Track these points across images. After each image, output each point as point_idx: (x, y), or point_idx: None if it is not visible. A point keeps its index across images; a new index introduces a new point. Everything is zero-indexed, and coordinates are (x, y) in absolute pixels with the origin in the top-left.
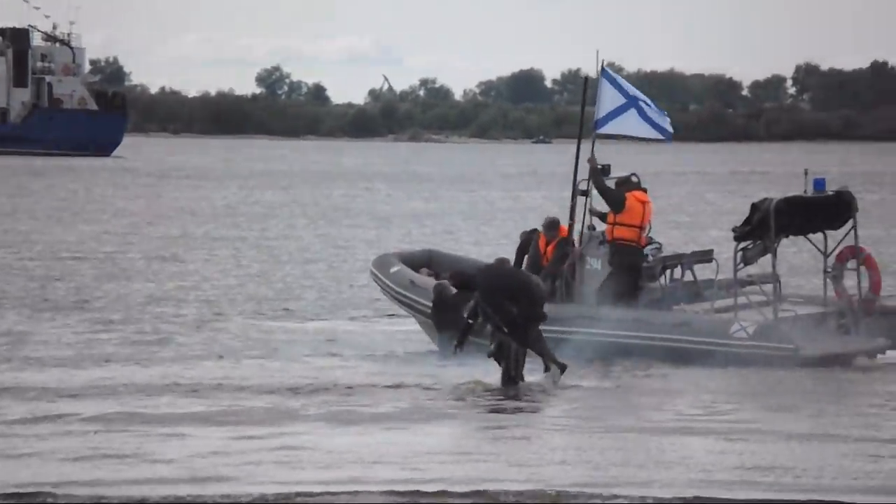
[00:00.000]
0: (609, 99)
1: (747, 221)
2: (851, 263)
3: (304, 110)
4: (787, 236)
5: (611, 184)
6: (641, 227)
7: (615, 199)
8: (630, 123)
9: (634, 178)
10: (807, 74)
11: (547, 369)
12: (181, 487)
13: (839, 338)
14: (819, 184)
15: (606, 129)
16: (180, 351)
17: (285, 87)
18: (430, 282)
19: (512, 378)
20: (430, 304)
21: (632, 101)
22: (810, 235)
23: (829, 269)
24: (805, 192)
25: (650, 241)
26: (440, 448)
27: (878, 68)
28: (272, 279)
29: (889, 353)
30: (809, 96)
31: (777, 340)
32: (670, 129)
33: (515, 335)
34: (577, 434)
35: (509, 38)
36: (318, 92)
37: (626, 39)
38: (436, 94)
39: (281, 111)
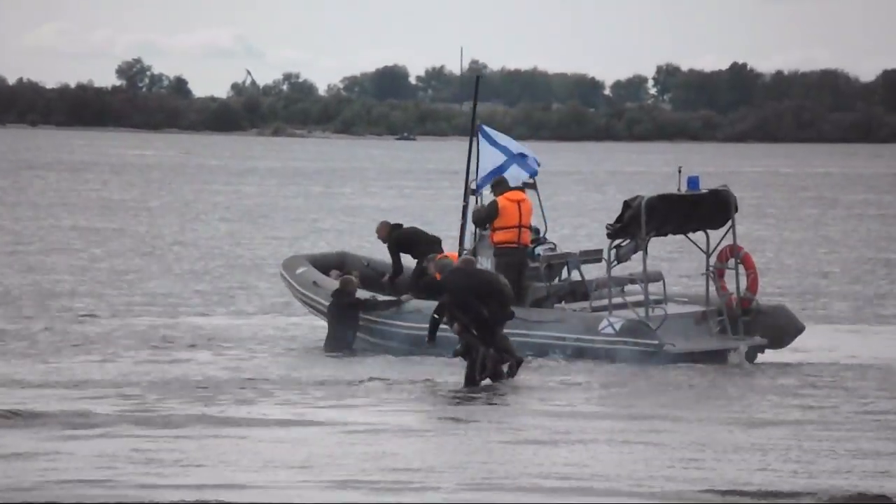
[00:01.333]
0: (488, 158)
1: (619, 219)
2: (732, 262)
3: (165, 103)
4: (664, 234)
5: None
6: (520, 226)
7: (488, 213)
8: (514, 174)
9: (529, 180)
10: (667, 75)
11: (510, 367)
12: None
13: (712, 336)
14: (693, 182)
15: (485, 188)
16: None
17: (146, 80)
18: (334, 283)
19: (475, 379)
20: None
21: (512, 159)
22: (691, 235)
23: (711, 268)
24: (679, 189)
25: (543, 241)
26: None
27: (738, 70)
28: (177, 275)
29: (768, 351)
30: (670, 97)
31: (642, 337)
32: (535, 167)
33: (484, 336)
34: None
35: (374, 34)
36: (180, 85)
37: (490, 37)
38: (299, 89)
39: (142, 104)
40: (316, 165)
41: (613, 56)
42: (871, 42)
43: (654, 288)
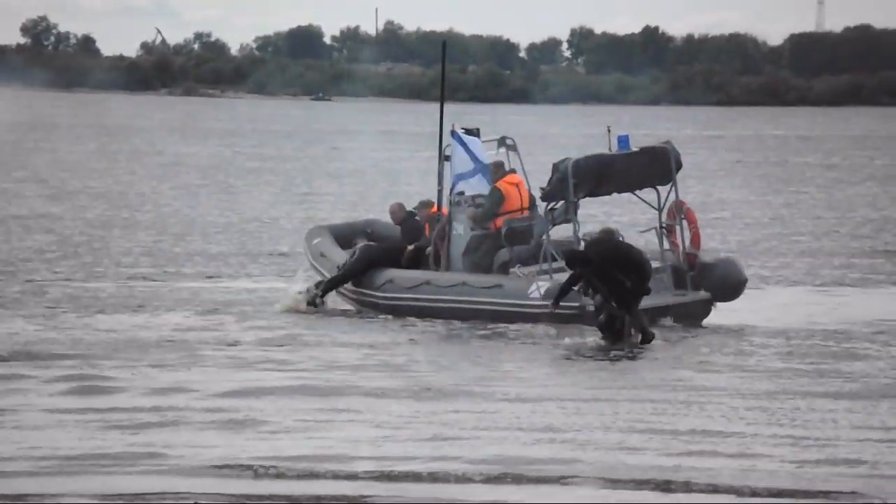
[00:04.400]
0: (459, 162)
1: (549, 182)
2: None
3: (72, 62)
4: (606, 194)
5: (488, 145)
6: (522, 209)
7: (495, 201)
8: (475, 184)
9: (508, 141)
10: (581, 38)
11: (641, 338)
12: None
13: (661, 293)
14: (623, 141)
15: (458, 188)
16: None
17: (52, 38)
18: (340, 256)
19: (617, 339)
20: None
21: (479, 168)
22: (641, 193)
23: (663, 225)
24: (609, 149)
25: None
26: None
27: (650, 33)
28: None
29: (718, 304)
30: (584, 60)
31: (565, 300)
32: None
33: (624, 306)
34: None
35: None
36: (87, 44)
37: None
38: (211, 49)
39: (47, 62)
40: (262, 126)
41: (528, 18)
42: (779, 6)
43: None
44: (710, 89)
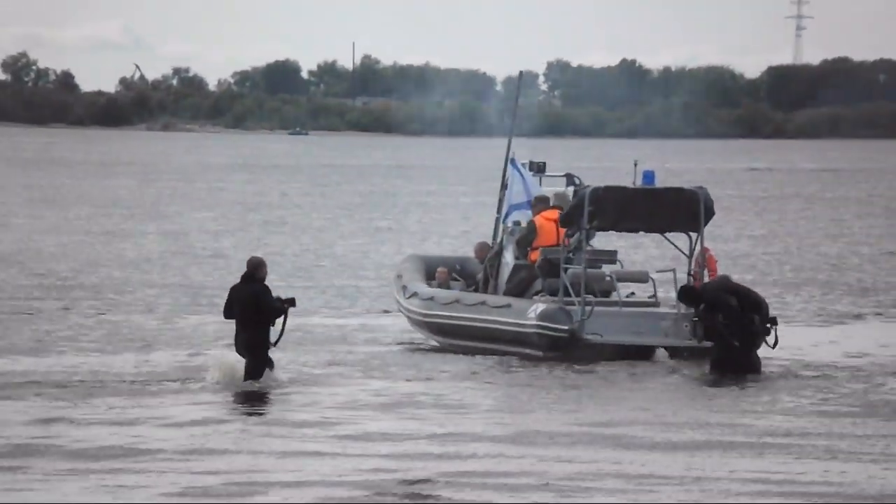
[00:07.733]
0: (515, 193)
1: (568, 208)
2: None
3: (52, 98)
4: (631, 230)
5: (546, 181)
6: (559, 243)
7: (527, 235)
8: (523, 216)
9: (576, 179)
10: (558, 71)
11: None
12: None
13: (668, 335)
14: (648, 176)
15: (512, 217)
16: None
17: (32, 74)
18: (415, 280)
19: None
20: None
21: (528, 203)
22: (670, 235)
23: (690, 272)
24: (634, 183)
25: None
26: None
27: (627, 66)
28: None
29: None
30: (560, 93)
31: (557, 323)
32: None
33: (734, 332)
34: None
35: (264, 29)
36: (67, 79)
37: (383, 32)
38: (189, 84)
39: (28, 98)
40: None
41: (504, 51)
42: (755, 38)
43: (644, 288)
44: (687, 122)
